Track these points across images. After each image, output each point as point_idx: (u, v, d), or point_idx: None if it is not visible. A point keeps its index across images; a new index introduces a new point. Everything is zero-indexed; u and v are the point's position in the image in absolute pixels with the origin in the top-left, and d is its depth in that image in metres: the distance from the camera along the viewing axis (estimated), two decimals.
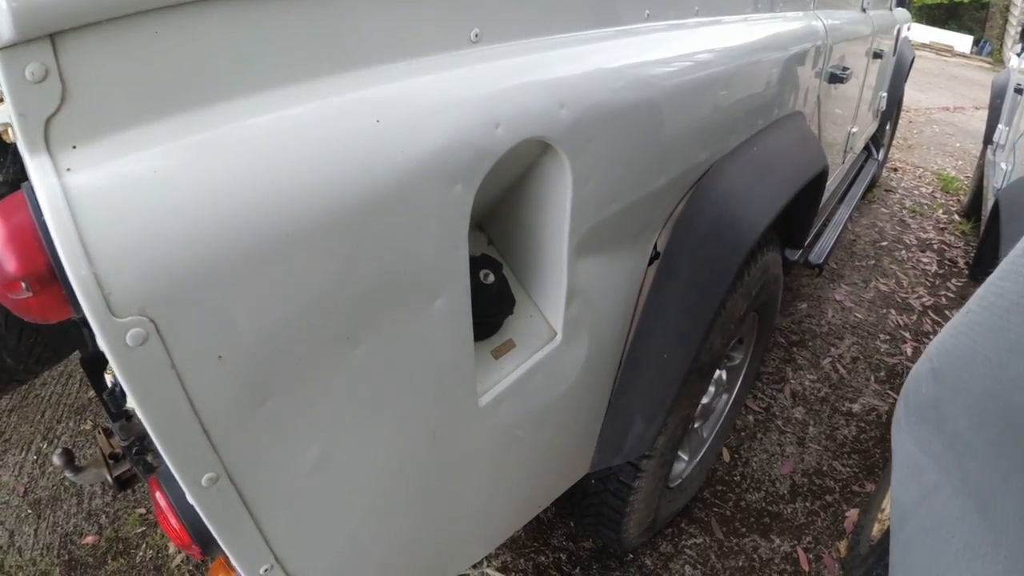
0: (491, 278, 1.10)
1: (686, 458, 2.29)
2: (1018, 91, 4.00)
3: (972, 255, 5.07)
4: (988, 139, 5.23)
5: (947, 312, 4.20)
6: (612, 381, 1.39)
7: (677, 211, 1.39)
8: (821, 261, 2.88)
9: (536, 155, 1.03)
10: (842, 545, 2.54)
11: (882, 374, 3.50)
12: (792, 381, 3.33)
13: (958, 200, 6.36)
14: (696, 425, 2.27)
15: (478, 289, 1.05)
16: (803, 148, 1.78)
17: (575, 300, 1.17)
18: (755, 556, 2.45)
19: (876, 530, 2.38)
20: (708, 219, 1.35)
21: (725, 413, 2.40)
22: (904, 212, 5.82)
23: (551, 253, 1.11)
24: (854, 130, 3.50)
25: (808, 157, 1.79)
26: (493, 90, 0.89)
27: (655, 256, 1.37)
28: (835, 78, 2.26)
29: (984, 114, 10.32)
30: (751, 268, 1.63)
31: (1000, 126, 4.82)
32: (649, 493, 1.76)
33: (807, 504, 2.68)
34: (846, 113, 3.16)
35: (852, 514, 2.65)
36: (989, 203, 3.69)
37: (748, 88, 1.52)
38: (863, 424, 3.13)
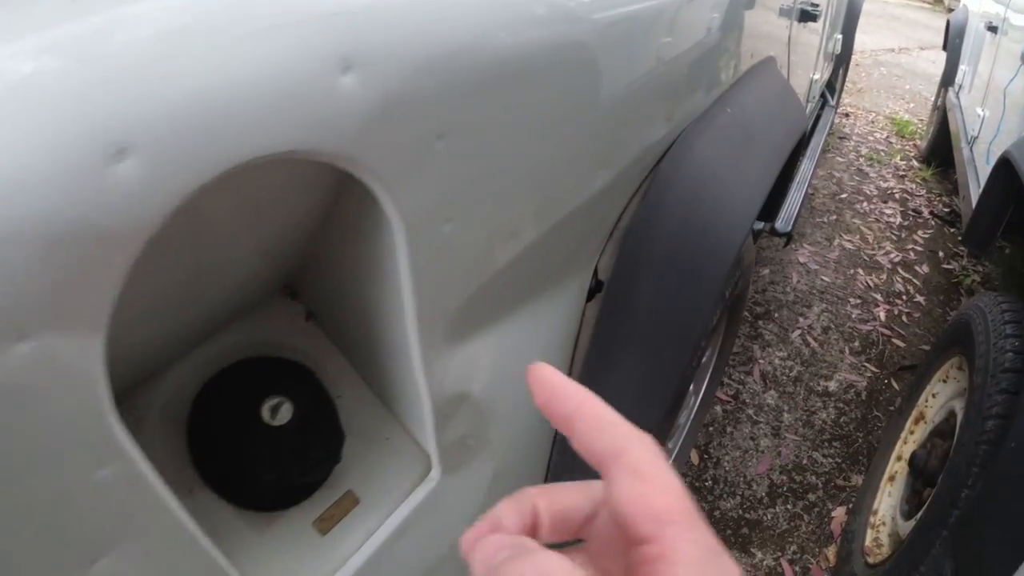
0: (283, 414, 0.66)
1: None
2: (991, 29, 3.67)
3: (944, 209, 4.80)
4: (947, 81, 4.95)
5: (917, 268, 3.91)
6: (545, 467, 0.97)
7: (626, 218, 0.98)
8: (789, 229, 2.51)
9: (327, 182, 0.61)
10: (830, 552, 2.23)
11: (856, 344, 3.19)
12: (761, 361, 2.99)
13: (914, 145, 6.10)
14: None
15: (261, 433, 0.66)
16: (784, 104, 1.39)
17: (455, 407, 0.75)
18: None
19: (869, 538, 2.08)
20: (674, 223, 0.95)
21: (692, 418, 2.05)
22: (861, 160, 5.53)
23: (393, 348, 0.66)
24: (816, 77, 3.15)
25: (791, 116, 1.40)
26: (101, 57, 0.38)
27: (596, 287, 0.97)
28: (806, 15, 1.88)
29: (931, 55, 10.29)
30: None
31: (962, 67, 4.52)
32: None
33: (788, 507, 2.36)
34: (809, 57, 2.80)
35: (839, 513, 2.34)
36: (964, 151, 3.38)
37: (711, 23, 1.12)
38: (841, 404, 2.82)
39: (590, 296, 0.95)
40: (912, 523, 1.85)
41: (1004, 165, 1.98)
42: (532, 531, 0.39)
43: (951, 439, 1.90)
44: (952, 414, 1.97)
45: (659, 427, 0.98)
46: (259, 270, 0.63)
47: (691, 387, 1.92)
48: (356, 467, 0.69)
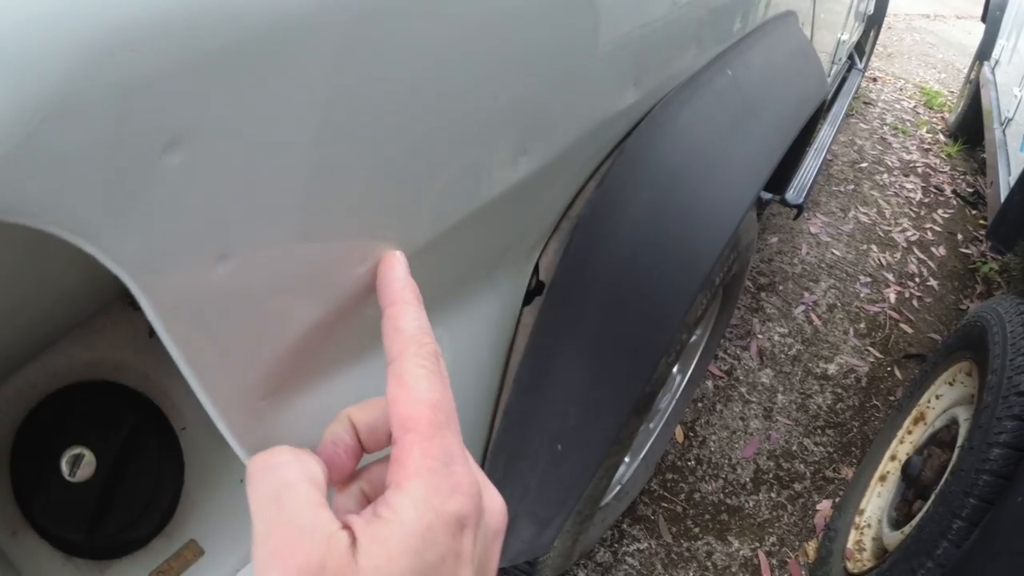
0: (83, 470, 0.51)
1: (627, 460, 1.80)
2: None
3: (968, 190, 4.60)
4: (983, 55, 4.71)
5: (933, 249, 3.73)
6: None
7: (578, 207, 0.79)
8: (801, 201, 2.33)
9: None
10: (810, 547, 2.13)
11: (862, 326, 3.04)
12: (760, 336, 2.85)
13: (942, 118, 5.85)
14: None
15: (60, 489, 0.51)
16: (800, 67, 1.21)
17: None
18: (708, 564, 2.02)
19: (852, 540, 1.96)
20: (639, 214, 0.77)
21: (678, 397, 1.91)
22: (885, 129, 5.30)
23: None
24: (844, 37, 2.94)
25: (808, 81, 1.21)
26: None
27: (536, 288, 0.79)
28: None
29: (968, 24, 9.91)
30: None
31: (1000, 41, 4.29)
32: (562, 551, 1.27)
33: (772, 495, 2.24)
34: (839, 15, 2.59)
35: (824, 507, 2.23)
36: (996, 132, 3.17)
37: None
38: (839, 390, 2.69)
39: (528, 299, 0.78)
40: (899, 535, 1.72)
41: None
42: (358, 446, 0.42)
43: (949, 450, 1.76)
44: (954, 422, 1.82)
45: (607, 448, 0.82)
46: (81, 280, 0.49)
47: (672, 372, 1.77)
48: (200, 512, 0.55)
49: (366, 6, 0.41)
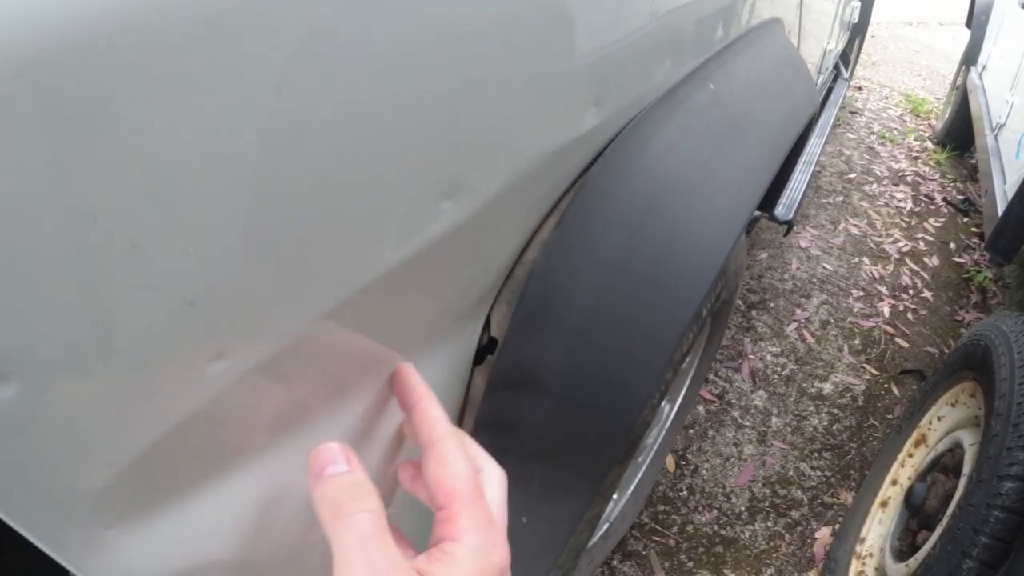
0: None
1: (615, 496, 1.70)
2: None
3: (959, 197, 4.53)
4: (969, 60, 4.66)
5: (926, 259, 3.65)
6: None
7: (533, 249, 0.68)
8: (791, 216, 2.24)
9: None
10: None
11: (856, 342, 2.95)
12: (751, 356, 2.75)
13: (930, 125, 5.79)
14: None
15: None
16: (789, 79, 1.11)
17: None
18: None
19: (854, 571, 1.87)
20: (606, 256, 0.66)
21: (667, 428, 1.81)
22: (873, 138, 5.24)
23: None
24: (830, 46, 2.87)
25: (798, 93, 1.11)
26: None
27: (488, 346, 0.69)
28: None
29: (951, 31, 9.91)
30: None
31: (987, 45, 4.24)
32: None
33: (769, 524, 2.14)
34: (824, 25, 2.52)
35: (823, 534, 2.13)
36: (987, 138, 3.10)
37: None
38: (835, 410, 2.59)
39: (480, 357, 0.68)
40: (903, 568, 1.63)
41: None
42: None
43: (954, 476, 1.67)
44: (958, 446, 1.73)
45: (583, 512, 0.72)
46: None
47: (658, 408, 1.68)
48: None
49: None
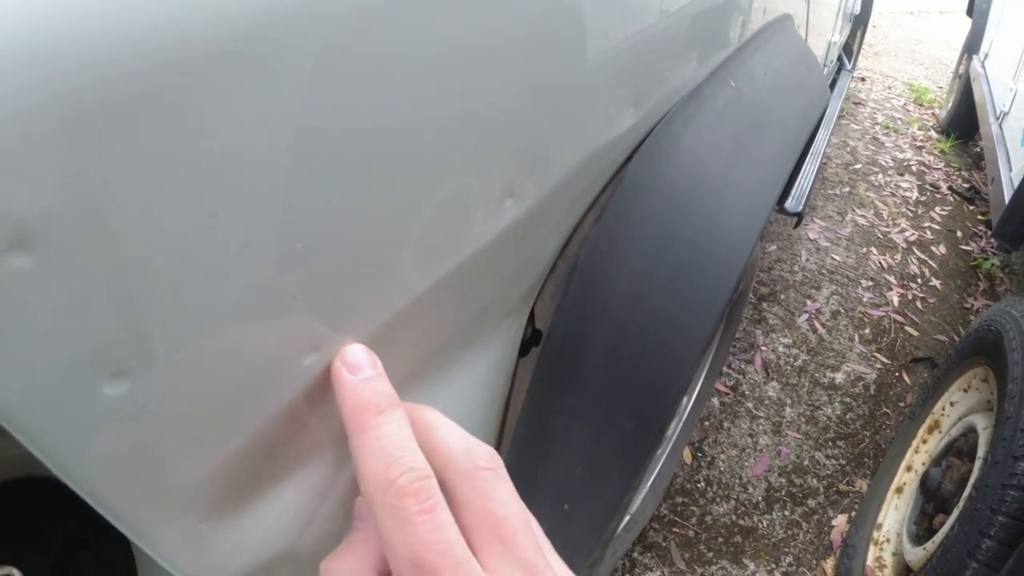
0: None
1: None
2: None
3: (964, 185, 4.55)
4: (971, 48, 4.67)
5: (933, 248, 3.68)
6: None
7: (574, 246, 0.71)
8: (800, 209, 2.27)
9: None
10: (828, 565, 2.05)
11: (867, 331, 2.98)
12: (763, 348, 2.78)
13: (933, 114, 5.80)
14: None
15: None
16: (803, 73, 1.14)
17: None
18: None
19: (872, 557, 1.89)
20: (643, 250, 0.70)
21: (684, 420, 1.84)
22: (877, 128, 5.25)
23: None
24: (834, 39, 2.89)
25: (811, 87, 1.15)
26: None
27: (533, 338, 0.72)
28: None
29: (951, 19, 9.90)
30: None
31: (989, 33, 4.25)
32: None
33: (786, 513, 2.17)
34: (828, 17, 2.54)
35: (839, 522, 2.16)
36: (992, 127, 3.12)
37: None
38: (848, 399, 2.62)
39: (524, 349, 0.71)
40: (921, 551, 1.65)
41: None
42: None
43: (969, 460, 1.70)
44: (971, 430, 1.76)
45: (621, 498, 0.75)
46: None
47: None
48: None
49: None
